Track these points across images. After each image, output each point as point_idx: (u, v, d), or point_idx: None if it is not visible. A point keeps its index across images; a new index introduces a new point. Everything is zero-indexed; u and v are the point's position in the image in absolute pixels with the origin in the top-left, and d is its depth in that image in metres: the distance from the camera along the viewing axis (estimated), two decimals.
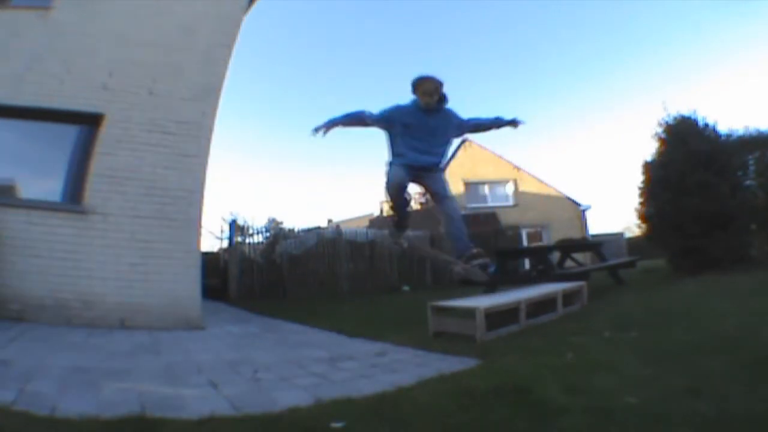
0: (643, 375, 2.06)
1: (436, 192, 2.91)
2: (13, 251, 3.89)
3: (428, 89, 2.70)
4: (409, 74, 2.84)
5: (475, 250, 2.86)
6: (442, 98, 2.80)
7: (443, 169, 3.02)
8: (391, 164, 2.86)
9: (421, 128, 2.79)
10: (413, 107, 2.77)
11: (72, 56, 4.54)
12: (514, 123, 3.05)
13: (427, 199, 18.68)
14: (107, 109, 4.49)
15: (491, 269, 3.16)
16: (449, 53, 43.16)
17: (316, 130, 2.70)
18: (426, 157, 2.83)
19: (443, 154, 2.97)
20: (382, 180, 2.94)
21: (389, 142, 2.92)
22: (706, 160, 5.90)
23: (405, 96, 2.80)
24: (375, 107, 2.89)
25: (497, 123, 3.07)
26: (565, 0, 38.47)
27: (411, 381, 2.19)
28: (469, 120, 3.02)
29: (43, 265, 3.97)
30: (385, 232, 10.79)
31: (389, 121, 2.82)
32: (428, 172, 2.88)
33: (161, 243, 4.36)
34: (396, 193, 2.90)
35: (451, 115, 2.89)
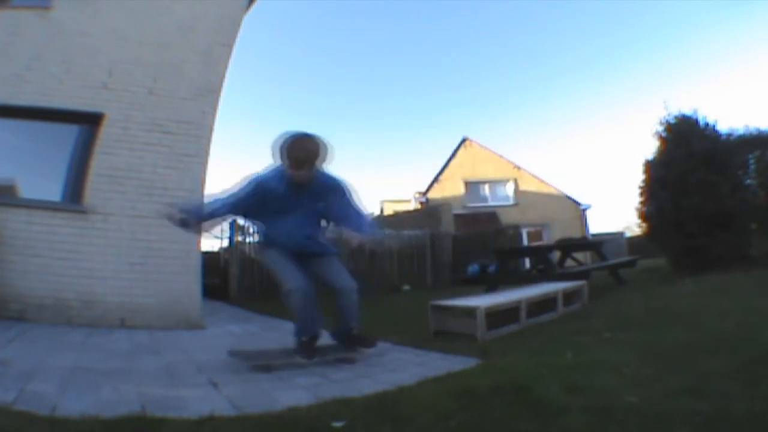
0: (643, 374, 2.06)
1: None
2: (13, 251, 3.89)
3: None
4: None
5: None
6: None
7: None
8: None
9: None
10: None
11: (72, 56, 4.54)
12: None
13: (427, 199, 18.69)
14: (107, 109, 4.50)
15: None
16: (451, 53, 43.13)
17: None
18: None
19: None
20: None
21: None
22: (707, 159, 5.90)
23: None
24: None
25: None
26: (566, 0, 38.48)
27: (411, 380, 2.19)
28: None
29: (43, 264, 3.97)
30: (386, 231, 10.79)
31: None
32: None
33: (161, 242, 4.36)
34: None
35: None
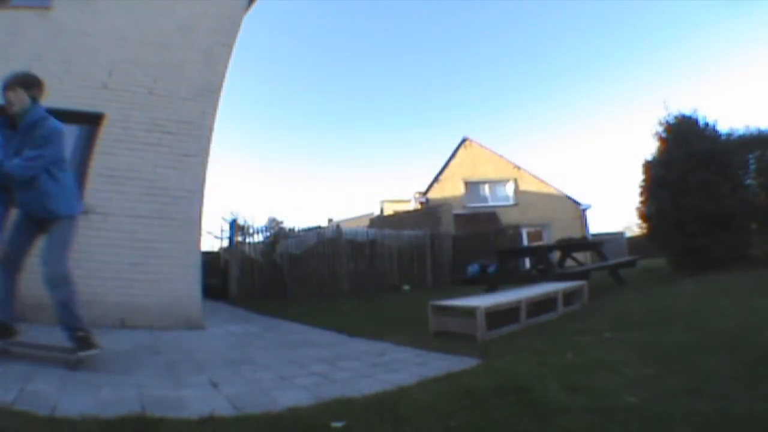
0: (643, 374, 2.06)
1: None
2: None
3: None
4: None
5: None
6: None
7: None
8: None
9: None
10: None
11: (72, 56, 4.53)
12: None
13: (427, 199, 18.68)
14: (107, 109, 4.49)
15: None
16: (451, 53, 43.16)
17: None
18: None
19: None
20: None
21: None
22: (707, 159, 5.90)
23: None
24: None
25: None
26: (566, 0, 38.51)
27: (411, 380, 2.19)
28: None
29: None
30: (386, 231, 10.80)
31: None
32: None
33: (161, 243, 4.36)
34: None
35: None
